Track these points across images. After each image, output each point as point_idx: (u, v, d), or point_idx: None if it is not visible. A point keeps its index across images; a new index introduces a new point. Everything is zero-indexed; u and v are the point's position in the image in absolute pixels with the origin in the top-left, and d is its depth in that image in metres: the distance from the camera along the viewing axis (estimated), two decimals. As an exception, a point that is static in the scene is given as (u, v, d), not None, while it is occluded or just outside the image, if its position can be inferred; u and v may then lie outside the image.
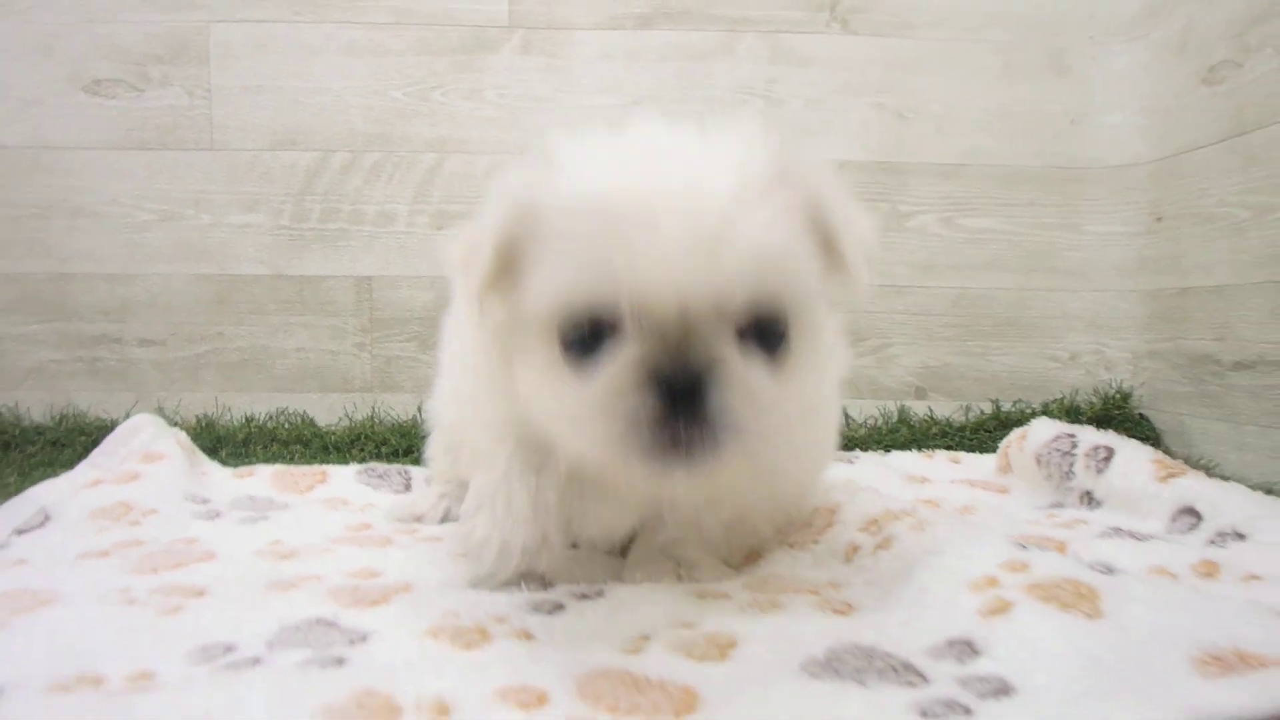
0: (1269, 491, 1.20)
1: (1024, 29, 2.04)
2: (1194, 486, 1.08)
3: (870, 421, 2.02)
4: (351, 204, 2.06)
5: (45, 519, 1.20)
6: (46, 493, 1.28)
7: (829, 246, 0.74)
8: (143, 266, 2.05)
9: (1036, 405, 1.99)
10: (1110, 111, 2.02)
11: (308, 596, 0.92)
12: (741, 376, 0.68)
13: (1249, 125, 1.61)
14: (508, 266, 0.74)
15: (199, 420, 1.98)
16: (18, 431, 1.96)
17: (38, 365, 2.07)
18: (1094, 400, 1.99)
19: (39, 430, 1.97)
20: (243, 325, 2.07)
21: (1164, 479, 1.10)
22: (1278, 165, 1.54)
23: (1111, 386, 2.01)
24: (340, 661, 0.75)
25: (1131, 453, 1.19)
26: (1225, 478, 1.27)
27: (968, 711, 0.64)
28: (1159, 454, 1.20)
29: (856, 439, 1.93)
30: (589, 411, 0.69)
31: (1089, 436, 1.26)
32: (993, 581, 0.83)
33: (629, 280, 0.65)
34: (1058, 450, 1.27)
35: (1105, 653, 0.69)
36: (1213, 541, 0.99)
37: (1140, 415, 1.95)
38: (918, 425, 1.99)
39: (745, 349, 0.69)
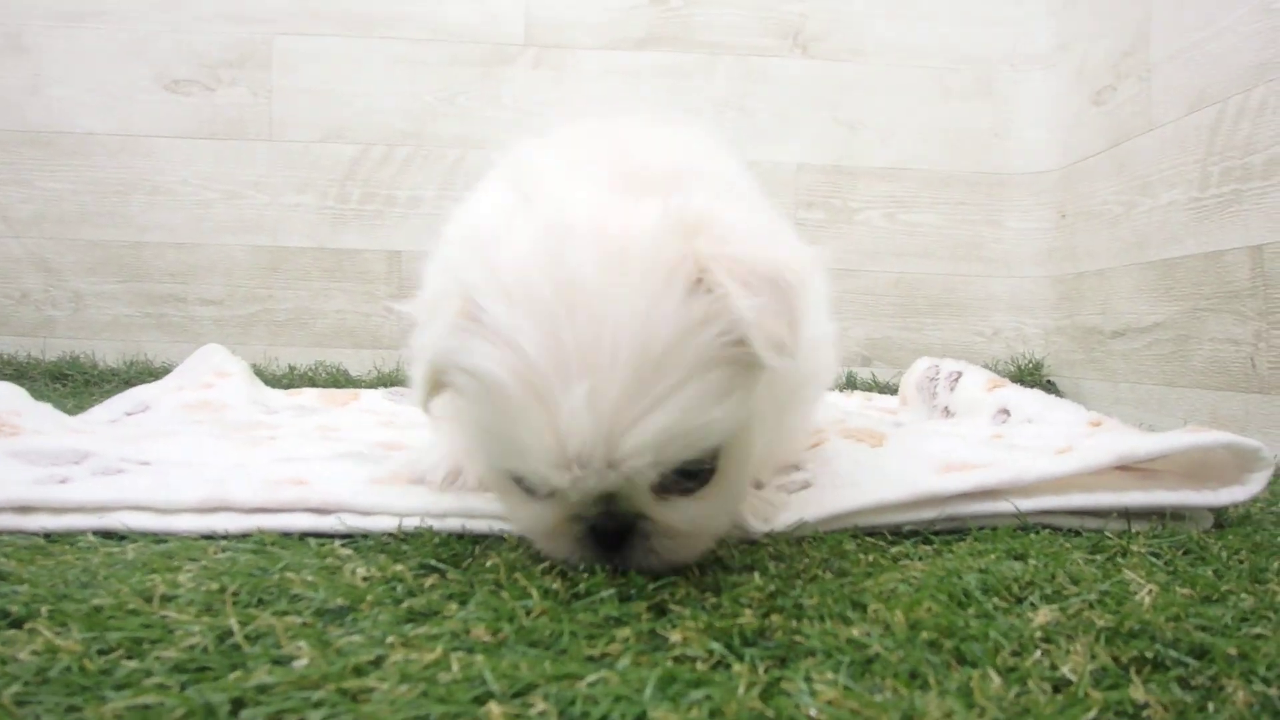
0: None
1: (956, 58, 2.39)
2: (1009, 394, 1.40)
3: (820, 386, 2.35)
4: (386, 189, 2.42)
5: (146, 407, 1.56)
6: (143, 391, 1.64)
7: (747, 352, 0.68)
8: (207, 237, 2.42)
9: (964, 376, 2.31)
10: (1027, 128, 2.37)
11: (349, 444, 1.27)
12: (664, 524, 0.70)
13: (1121, 138, 1.95)
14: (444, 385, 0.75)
15: (251, 369, 2.34)
16: (95, 373, 2.32)
17: (113, 319, 2.44)
18: (1011, 369, 2.31)
19: (113, 373, 2.33)
20: (289, 289, 2.44)
21: (990, 390, 1.43)
22: (1138, 170, 1.88)
23: (1026, 358, 2.33)
24: (378, 461, 1.11)
25: (973, 374, 1.52)
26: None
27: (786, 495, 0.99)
28: (992, 374, 1.54)
29: (806, 398, 2.26)
30: (533, 529, 0.75)
31: (948, 366, 1.59)
32: (820, 431, 1.18)
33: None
34: (928, 378, 1.60)
35: (877, 463, 1.04)
36: (1012, 427, 1.33)
37: (1049, 381, 2.27)
38: (862, 386, 2.32)
39: (669, 486, 0.70)
